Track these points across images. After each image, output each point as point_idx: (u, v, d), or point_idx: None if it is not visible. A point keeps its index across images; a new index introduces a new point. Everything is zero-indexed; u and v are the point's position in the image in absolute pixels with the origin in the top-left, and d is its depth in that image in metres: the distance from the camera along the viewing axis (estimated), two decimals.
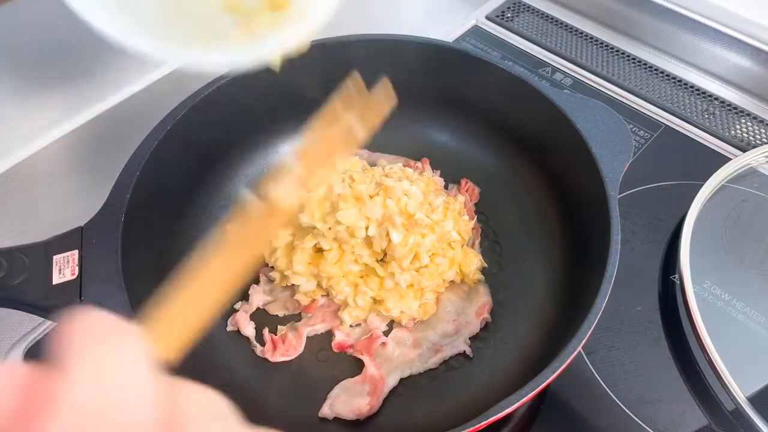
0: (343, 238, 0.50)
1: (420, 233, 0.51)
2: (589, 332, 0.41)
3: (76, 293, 0.42)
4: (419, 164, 0.64)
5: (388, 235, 0.50)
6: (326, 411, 0.48)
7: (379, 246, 0.50)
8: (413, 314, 0.53)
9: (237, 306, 0.55)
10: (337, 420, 0.48)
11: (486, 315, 0.54)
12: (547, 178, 0.59)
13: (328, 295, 0.54)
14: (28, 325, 0.56)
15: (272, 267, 0.55)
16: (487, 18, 0.86)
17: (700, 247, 0.58)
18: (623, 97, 0.76)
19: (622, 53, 0.82)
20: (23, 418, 0.13)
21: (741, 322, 0.56)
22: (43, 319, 0.50)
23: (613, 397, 0.51)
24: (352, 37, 0.59)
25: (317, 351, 0.53)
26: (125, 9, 0.33)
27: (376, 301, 0.53)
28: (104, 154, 0.64)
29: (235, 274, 0.22)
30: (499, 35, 0.84)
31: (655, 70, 0.79)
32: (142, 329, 0.15)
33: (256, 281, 0.57)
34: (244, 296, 0.55)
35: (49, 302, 0.42)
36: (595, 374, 0.53)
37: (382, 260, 0.52)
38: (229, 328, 0.53)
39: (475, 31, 0.84)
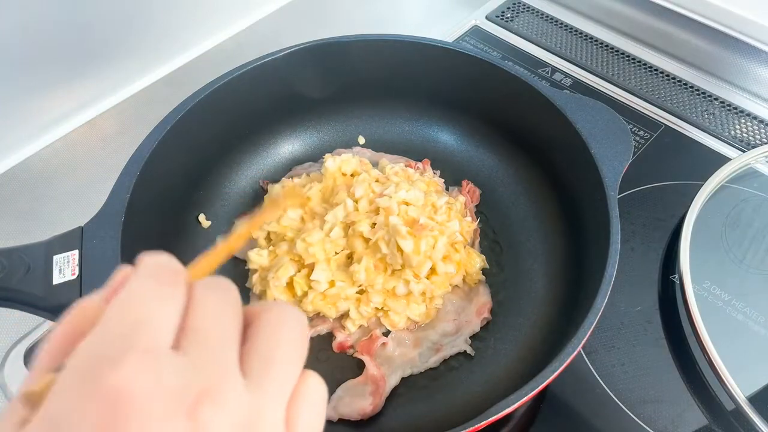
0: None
1: (431, 236, 0.51)
2: (589, 332, 0.41)
3: (76, 293, 0.42)
4: (420, 165, 0.64)
5: (399, 248, 0.50)
6: (330, 413, 0.48)
7: (395, 262, 0.50)
8: (416, 318, 0.53)
9: None
10: (341, 420, 0.48)
11: (486, 314, 0.54)
12: (547, 178, 0.59)
13: None
14: (28, 325, 0.56)
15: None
16: (487, 18, 0.86)
17: (700, 247, 0.58)
18: (623, 97, 0.76)
19: (622, 53, 0.82)
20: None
21: (741, 322, 0.56)
22: (43, 319, 0.50)
23: (613, 397, 0.51)
24: (352, 37, 0.59)
25: (317, 351, 0.53)
26: None
27: (378, 310, 0.53)
28: (104, 154, 0.64)
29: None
30: (498, 35, 0.84)
31: (655, 70, 0.79)
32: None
33: None
34: (245, 297, 0.55)
35: (49, 302, 0.42)
36: (595, 374, 0.53)
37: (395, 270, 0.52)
38: None
39: (475, 31, 0.84)
